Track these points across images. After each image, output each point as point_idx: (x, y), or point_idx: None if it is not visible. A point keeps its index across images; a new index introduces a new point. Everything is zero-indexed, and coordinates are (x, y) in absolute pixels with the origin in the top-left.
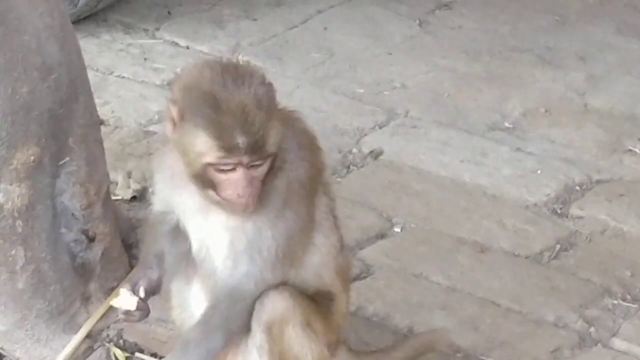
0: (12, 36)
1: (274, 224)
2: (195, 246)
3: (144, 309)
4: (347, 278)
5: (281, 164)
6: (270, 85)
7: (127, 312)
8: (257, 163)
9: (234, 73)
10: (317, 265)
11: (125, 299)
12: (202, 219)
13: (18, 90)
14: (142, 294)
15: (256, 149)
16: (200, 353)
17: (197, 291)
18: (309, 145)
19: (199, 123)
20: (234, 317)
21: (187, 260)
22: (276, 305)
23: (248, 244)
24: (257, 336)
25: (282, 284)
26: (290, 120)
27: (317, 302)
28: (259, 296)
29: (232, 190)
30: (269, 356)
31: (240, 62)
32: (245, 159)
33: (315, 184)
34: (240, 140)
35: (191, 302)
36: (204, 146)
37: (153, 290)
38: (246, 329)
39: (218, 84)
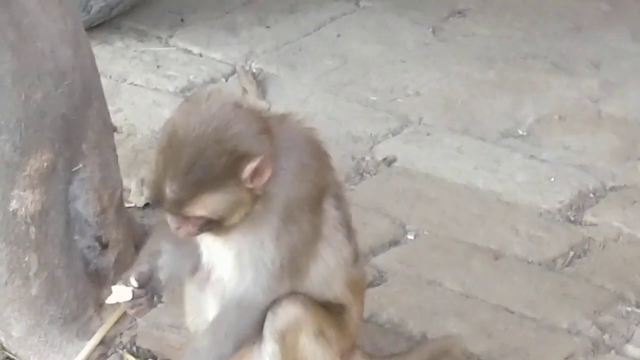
0: (25, 42)
1: (277, 237)
2: (204, 254)
3: (142, 295)
4: (359, 290)
5: (276, 185)
6: (235, 140)
7: (131, 305)
8: (178, 213)
9: (204, 116)
10: (325, 277)
11: (118, 293)
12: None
13: (31, 96)
14: (134, 283)
15: (169, 204)
16: None
17: (210, 297)
18: (313, 156)
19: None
20: (243, 326)
21: (199, 266)
22: (289, 314)
23: (252, 257)
24: (270, 345)
25: (294, 294)
26: (290, 132)
27: (329, 310)
28: (271, 305)
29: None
30: None
31: (227, 100)
32: (160, 207)
33: (319, 197)
34: (153, 189)
35: (205, 308)
36: None
37: (145, 280)
38: (256, 337)
39: (178, 124)
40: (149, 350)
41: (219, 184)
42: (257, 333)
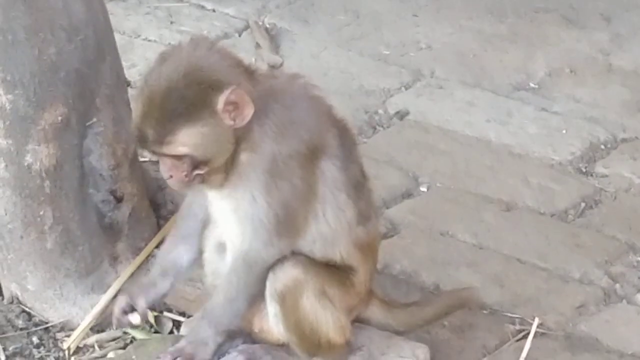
0: None
1: (267, 192)
2: (213, 215)
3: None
4: (370, 251)
5: (257, 142)
6: (210, 79)
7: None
8: (161, 153)
9: (177, 57)
10: (327, 238)
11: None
12: (213, 192)
13: (45, 51)
14: (140, 306)
15: (152, 144)
16: (225, 316)
17: (228, 259)
18: (308, 115)
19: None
20: (251, 282)
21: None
22: (288, 275)
23: (246, 213)
24: (272, 305)
25: (296, 254)
26: (288, 88)
27: (334, 270)
28: (272, 266)
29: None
30: (285, 324)
31: (212, 44)
32: (147, 150)
33: (312, 155)
34: (135, 132)
35: (223, 270)
36: None
37: (151, 304)
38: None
39: (154, 67)
40: (164, 303)
41: (194, 115)
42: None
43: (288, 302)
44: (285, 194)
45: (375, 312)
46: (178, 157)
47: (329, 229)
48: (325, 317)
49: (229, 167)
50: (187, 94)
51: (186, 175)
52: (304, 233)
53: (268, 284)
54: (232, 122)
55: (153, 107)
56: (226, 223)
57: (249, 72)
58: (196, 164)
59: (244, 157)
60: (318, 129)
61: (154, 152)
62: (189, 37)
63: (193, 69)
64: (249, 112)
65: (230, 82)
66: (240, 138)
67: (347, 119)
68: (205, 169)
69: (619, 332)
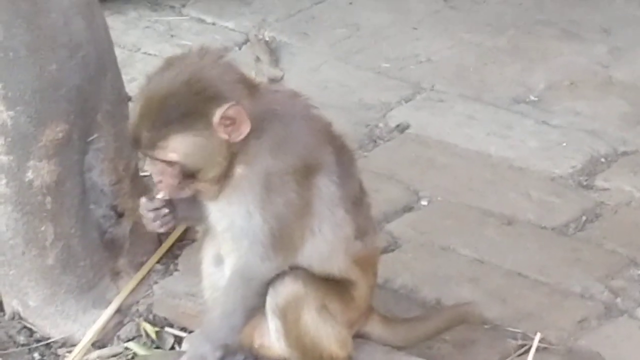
0: (39, 14)
1: (262, 207)
2: (210, 227)
3: (165, 206)
4: (369, 265)
5: (253, 156)
6: (209, 88)
7: (154, 216)
8: (152, 156)
9: (182, 64)
10: (324, 253)
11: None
12: (210, 204)
13: (46, 68)
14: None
15: (144, 146)
16: (222, 331)
17: (226, 272)
18: (306, 132)
19: None
20: (249, 296)
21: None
22: (289, 290)
23: (242, 228)
24: (273, 321)
25: (296, 269)
26: (287, 105)
27: (334, 284)
28: (272, 281)
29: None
30: (286, 339)
31: (215, 53)
32: (139, 151)
33: (307, 172)
34: (131, 132)
35: (221, 283)
36: None
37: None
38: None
39: (158, 71)
40: (165, 318)
41: (188, 124)
42: (264, 302)
43: (289, 317)
44: (281, 209)
45: (375, 327)
46: (169, 163)
47: (325, 245)
48: (327, 331)
49: (224, 180)
50: (185, 102)
51: (176, 183)
52: (301, 248)
53: (269, 299)
54: (227, 137)
55: (150, 110)
56: (223, 236)
57: (251, 88)
58: (186, 172)
59: (239, 171)
60: (315, 146)
61: (145, 155)
62: (198, 45)
63: (195, 79)
64: (245, 129)
65: (230, 97)
66: (236, 153)
67: (346, 133)
68: (196, 179)
69: (621, 346)
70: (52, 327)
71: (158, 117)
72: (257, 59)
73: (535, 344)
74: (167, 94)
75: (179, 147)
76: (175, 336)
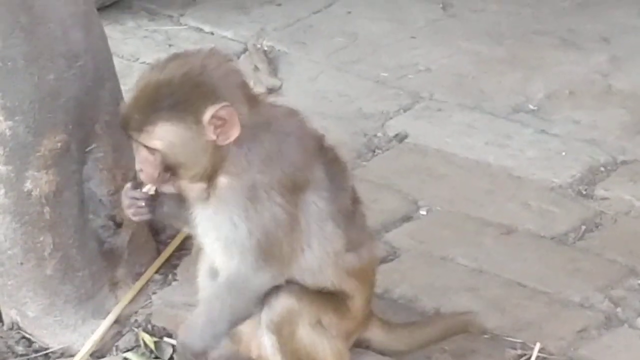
0: (37, 24)
1: (247, 218)
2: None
3: (143, 198)
4: (364, 277)
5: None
6: (205, 86)
7: (129, 204)
8: (137, 140)
9: (187, 58)
10: (315, 268)
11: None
12: (196, 210)
13: (44, 78)
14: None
15: (132, 128)
16: (204, 338)
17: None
18: (296, 149)
19: None
20: (238, 306)
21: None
22: (283, 305)
23: (228, 238)
24: (268, 336)
25: (290, 284)
26: (282, 121)
27: (329, 297)
28: (267, 296)
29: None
30: (282, 355)
31: (216, 55)
32: (126, 132)
33: (294, 188)
34: (122, 112)
35: None
36: None
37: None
38: (252, 314)
39: (162, 61)
40: (164, 328)
41: (178, 115)
42: (253, 311)
43: (284, 332)
44: (266, 221)
45: (375, 332)
46: (152, 151)
47: (315, 260)
48: (322, 345)
49: (210, 188)
50: (179, 93)
51: (156, 174)
52: (293, 263)
53: (263, 315)
54: (214, 138)
55: (145, 93)
56: (213, 247)
57: (250, 97)
58: (167, 165)
59: (225, 180)
60: (304, 164)
61: (131, 137)
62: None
63: (195, 73)
64: (234, 132)
65: (226, 98)
66: (221, 159)
67: (344, 143)
68: (176, 175)
69: (620, 356)
70: (50, 337)
71: (150, 102)
72: (256, 69)
73: (535, 353)
74: (165, 81)
75: (164, 135)
76: (174, 346)
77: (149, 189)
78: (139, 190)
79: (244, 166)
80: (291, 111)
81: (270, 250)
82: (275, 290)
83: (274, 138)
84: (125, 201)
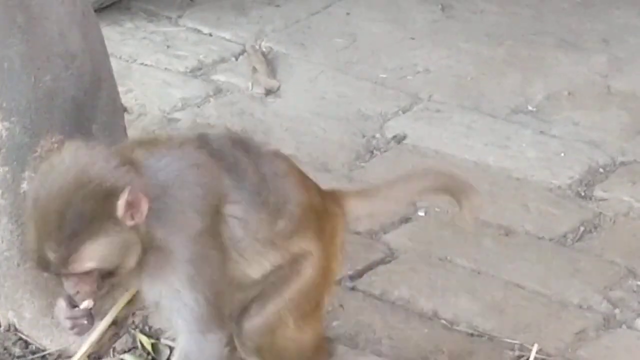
0: (34, 24)
1: (190, 284)
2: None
3: (80, 316)
4: (307, 227)
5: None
6: (102, 185)
7: (71, 325)
8: (67, 273)
9: (63, 168)
10: (257, 264)
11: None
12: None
13: (41, 79)
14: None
15: (55, 266)
16: None
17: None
18: (198, 182)
19: None
20: (210, 354)
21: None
22: (255, 325)
23: (173, 308)
24: (252, 358)
25: (253, 299)
26: (167, 162)
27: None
28: (237, 321)
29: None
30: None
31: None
32: (50, 273)
33: (216, 218)
34: (34, 256)
35: None
36: None
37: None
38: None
39: (41, 182)
40: (161, 330)
41: (96, 229)
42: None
43: (264, 346)
44: (206, 271)
45: (356, 207)
46: (85, 273)
47: (253, 259)
48: (305, 335)
49: (141, 264)
50: (85, 208)
51: (95, 287)
52: (233, 291)
53: (238, 341)
54: (133, 222)
55: (50, 227)
56: (165, 317)
57: (135, 163)
58: (105, 274)
59: (154, 253)
60: (212, 191)
61: (58, 274)
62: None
63: (84, 180)
64: (145, 207)
65: (124, 183)
66: (147, 232)
67: (339, 145)
68: (115, 275)
69: (619, 357)
70: (47, 339)
71: (62, 232)
72: (254, 70)
73: (533, 355)
74: (63, 205)
75: (94, 254)
76: (171, 347)
77: (87, 304)
78: (77, 308)
79: (164, 229)
80: (180, 141)
81: (217, 300)
82: (242, 313)
83: (175, 184)
84: (66, 323)
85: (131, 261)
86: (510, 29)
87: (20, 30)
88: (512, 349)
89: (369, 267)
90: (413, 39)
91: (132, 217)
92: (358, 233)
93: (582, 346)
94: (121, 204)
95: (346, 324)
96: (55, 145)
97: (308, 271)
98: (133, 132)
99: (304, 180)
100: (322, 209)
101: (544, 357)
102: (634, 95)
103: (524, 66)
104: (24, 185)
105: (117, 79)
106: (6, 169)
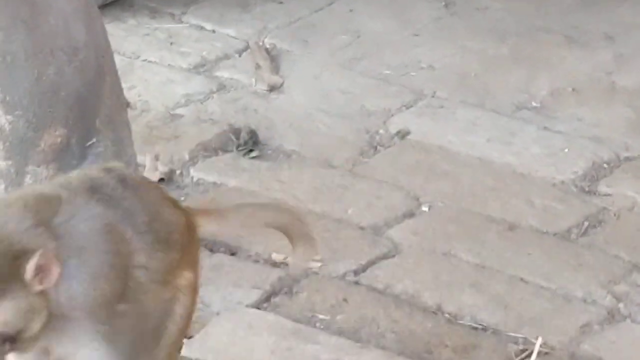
0: (38, 18)
1: (108, 343)
2: None
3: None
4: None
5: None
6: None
7: None
8: None
9: None
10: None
11: None
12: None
13: (44, 73)
14: None
15: None
16: None
17: None
18: (106, 241)
19: None
20: None
21: None
22: None
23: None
24: None
25: None
26: (75, 221)
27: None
28: None
29: None
30: None
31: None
32: None
33: (127, 275)
34: None
35: None
36: None
37: None
38: None
39: None
40: None
41: (1, 291)
42: None
43: None
44: (122, 327)
45: (204, 226)
46: None
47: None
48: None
49: (45, 330)
50: None
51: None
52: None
53: None
54: (41, 287)
55: None
56: None
57: (43, 219)
58: (7, 337)
59: (61, 320)
60: (120, 255)
61: None
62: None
63: None
64: (56, 272)
65: (35, 246)
66: (50, 299)
67: (343, 141)
68: (18, 340)
69: (623, 351)
70: None
71: None
72: (258, 66)
73: (537, 348)
74: None
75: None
76: None
77: None
78: None
79: (75, 295)
80: (84, 200)
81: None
82: None
83: (90, 248)
84: None
85: (35, 326)
86: (514, 25)
87: (24, 24)
88: (516, 343)
89: (373, 262)
90: (417, 35)
91: (41, 282)
92: (362, 228)
93: (586, 340)
94: (30, 268)
95: (350, 318)
96: (59, 139)
97: (190, 301)
98: (136, 128)
99: (174, 203)
100: (192, 230)
101: (547, 350)
102: (638, 92)
103: (528, 62)
104: (27, 179)
105: (121, 75)
106: (9, 162)
